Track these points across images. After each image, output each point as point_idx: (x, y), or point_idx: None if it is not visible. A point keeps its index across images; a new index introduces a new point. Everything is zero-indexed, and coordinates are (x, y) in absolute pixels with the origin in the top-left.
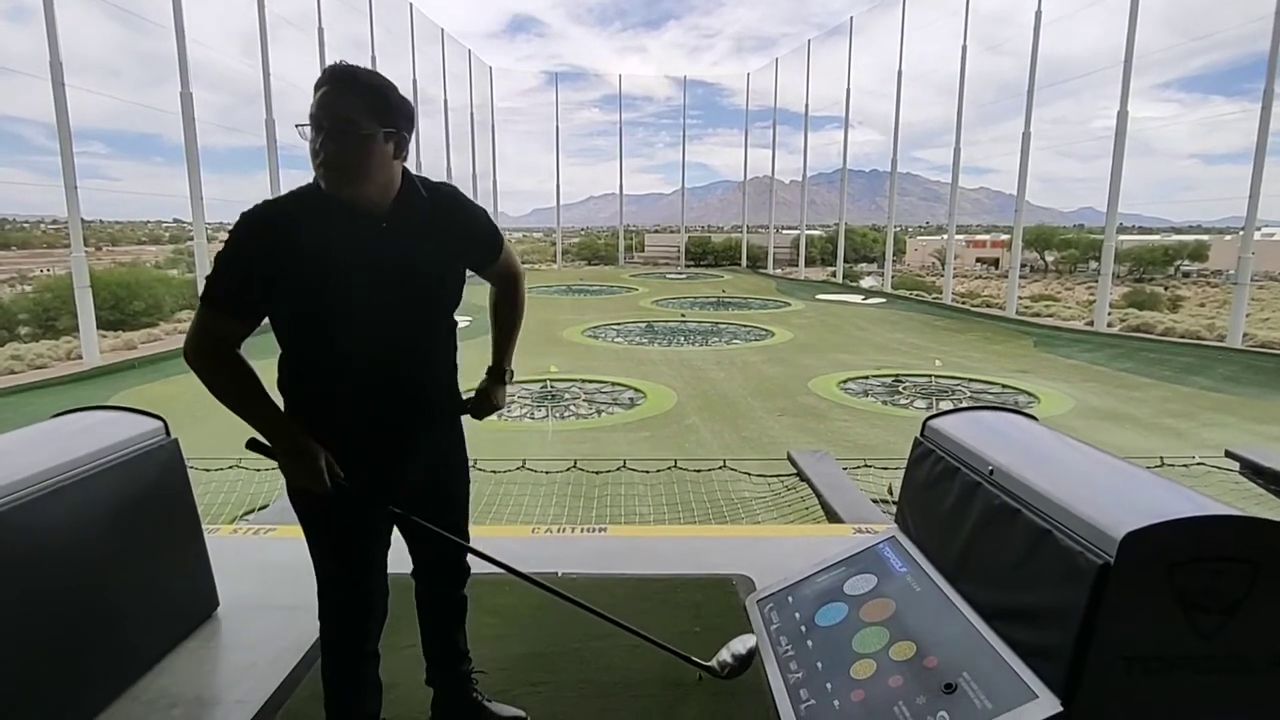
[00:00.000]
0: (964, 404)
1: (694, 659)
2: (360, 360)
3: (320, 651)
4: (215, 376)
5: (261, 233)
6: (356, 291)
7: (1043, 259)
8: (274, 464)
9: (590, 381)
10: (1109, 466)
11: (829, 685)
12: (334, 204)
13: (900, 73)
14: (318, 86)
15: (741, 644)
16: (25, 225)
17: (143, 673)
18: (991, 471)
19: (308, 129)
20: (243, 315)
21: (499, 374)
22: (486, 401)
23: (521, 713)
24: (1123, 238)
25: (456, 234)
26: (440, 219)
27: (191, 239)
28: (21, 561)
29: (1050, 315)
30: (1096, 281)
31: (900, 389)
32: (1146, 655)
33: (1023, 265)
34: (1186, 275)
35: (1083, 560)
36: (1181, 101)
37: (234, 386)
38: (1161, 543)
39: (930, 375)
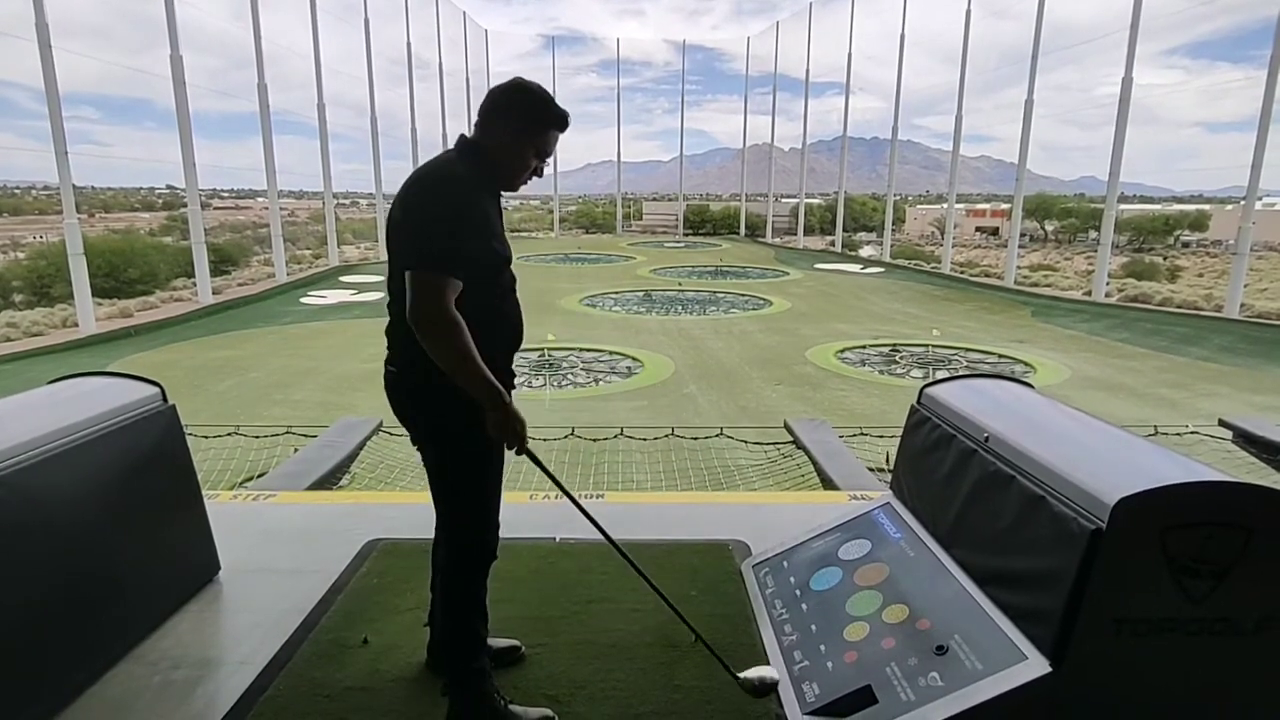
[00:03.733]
0: (960, 373)
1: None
2: (506, 326)
3: (459, 585)
4: (450, 340)
5: (468, 195)
6: (505, 260)
7: (1043, 228)
8: (271, 432)
9: (588, 350)
10: (1103, 434)
11: (822, 647)
12: (491, 184)
13: (903, 38)
14: (564, 126)
15: (770, 673)
16: (16, 191)
17: (146, 635)
18: (987, 438)
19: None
20: (459, 274)
21: None
22: None
23: (516, 642)
24: (1123, 207)
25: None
26: None
27: (185, 206)
28: (23, 525)
29: (1049, 285)
30: (1096, 251)
31: (897, 358)
32: (1136, 618)
33: (1022, 234)
34: (1186, 245)
35: (1075, 526)
36: (1186, 68)
37: (465, 350)
38: (1154, 508)
39: (927, 345)
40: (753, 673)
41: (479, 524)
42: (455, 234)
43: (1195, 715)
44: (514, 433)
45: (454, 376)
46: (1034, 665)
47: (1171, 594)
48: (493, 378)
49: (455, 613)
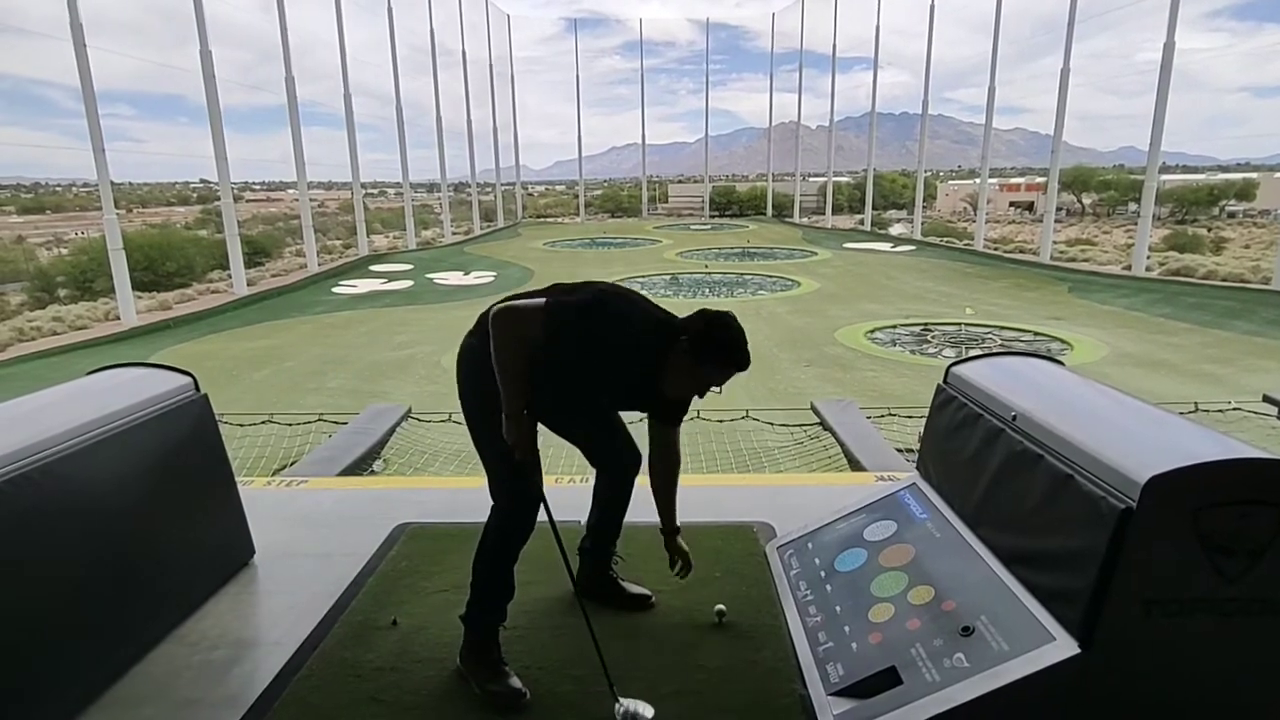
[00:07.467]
0: (988, 351)
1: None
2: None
3: (482, 558)
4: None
5: (618, 347)
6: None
7: (1080, 201)
8: (304, 420)
9: None
10: (1135, 411)
11: (847, 628)
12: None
13: (932, 8)
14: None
15: (646, 710)
16: (58, 189)
17: (186, 616)
18: (1014, 417)
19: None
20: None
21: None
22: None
23: (648, 592)
24: (1165, 177)
25: None
26: None
27: (218, 199)
28: (65, 510)
29: (1087, 260)
30: (1136, 224)
31: (929, 338)
32: (1168, 598)
33: (1059, 208)
34: (1232, 216)
35: (1104, 505)
36: (1233, 30)
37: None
38: (1186, 486)
39: (960, 324)
40: (629, 703)
41: (500, 489)
42: (577, 352)
43: (1228, 696)
44: (511, 442)
45: (496, 368)
46: (1062, 646)
47: (1205, 574)
48: (521, 395)
49: (478, 562)
